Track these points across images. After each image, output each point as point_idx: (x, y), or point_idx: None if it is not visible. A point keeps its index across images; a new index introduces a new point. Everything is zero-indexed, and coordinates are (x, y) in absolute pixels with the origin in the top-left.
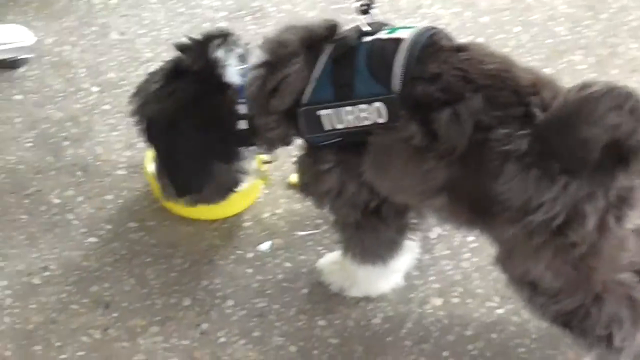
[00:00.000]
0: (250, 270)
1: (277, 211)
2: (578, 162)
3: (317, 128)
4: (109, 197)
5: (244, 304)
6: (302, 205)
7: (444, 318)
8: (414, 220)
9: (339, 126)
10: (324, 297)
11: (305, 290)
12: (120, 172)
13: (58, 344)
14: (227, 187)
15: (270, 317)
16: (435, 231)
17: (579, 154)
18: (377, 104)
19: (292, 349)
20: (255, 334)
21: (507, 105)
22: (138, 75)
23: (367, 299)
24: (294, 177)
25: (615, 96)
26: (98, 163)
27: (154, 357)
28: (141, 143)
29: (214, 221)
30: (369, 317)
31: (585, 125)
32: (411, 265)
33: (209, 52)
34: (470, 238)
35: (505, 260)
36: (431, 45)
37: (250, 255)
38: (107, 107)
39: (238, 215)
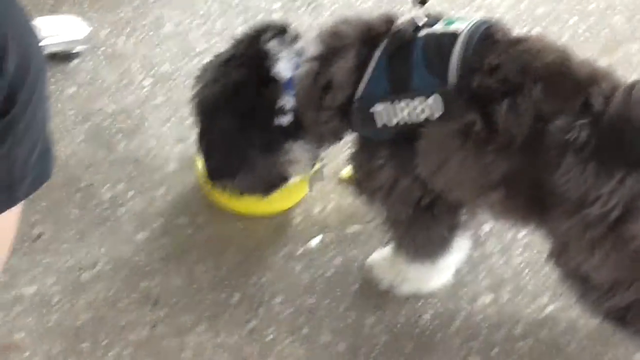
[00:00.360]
0: (299, 267)
1: (328, 206)
2: (636, 156)
3: (371, 124)
4: (160, 191)
5: (293, 301)
6: (354, 200)
7: (494, 315)
8: (466, 218)
9: (394, 121)
10: (373, 293)
11: (355, 287)
12: (171, 166)
13: (105, 341)
14: (270, 180)
15: (319, 314)
16: (486, 227)
17: (638, 149)
18: (433, 97)
19: (341, 346)
20: (304, 331)
21: (566, 96)
22: (191, 67)
23: (417, 296)
24: (345, 172)
25: None
26: (150, 157)
27: (202, 354)
28: (193, 137)
29: (263, 217)
30: (419, 313)
31: None
32: (461, 262)
33: (261, 43)
34: (522, 234)
35: (559, 254)
36: (488, 37)
37: (300, 251)
38: (160, 99)
39: (288, 211)
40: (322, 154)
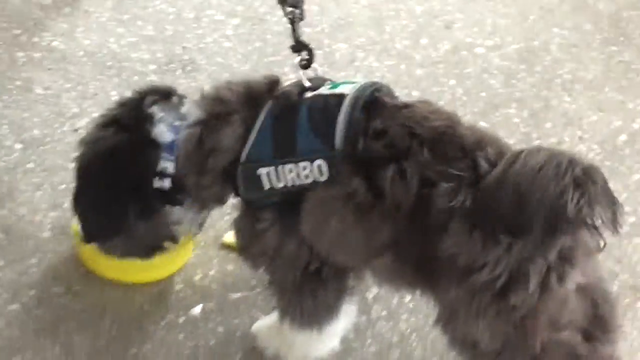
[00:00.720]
0: (181, 336)
1: (210, 273)
2: (521, 226)
3: (256, 187)
4: (33, 260)
5: None
6: (236, 266)
7: None
8: (353, 283)
9: (280, 185)
10: None
11: (238, 356)
12: (45, 234)
13: None
14: (148, 244)
15: None
16: (372, 292)
17: (522, 219)
18: (319, 162)
19: None
20: None
21: (453, 160)
22: (63, 131)
23: None
24: (227, 237)
25: (559, 164)
26: (21, 225)
27: None
28: (67, 203)
29: (143, 285)
30: None
31: (528, 194)
32: (348, 328)
33: (144, 106)
34: (408, 298)
35: (446, 321)
36: (374, 101)
37: (181, 319)
38: (31, 165)
39: (168, 278)
40: (205, 219)
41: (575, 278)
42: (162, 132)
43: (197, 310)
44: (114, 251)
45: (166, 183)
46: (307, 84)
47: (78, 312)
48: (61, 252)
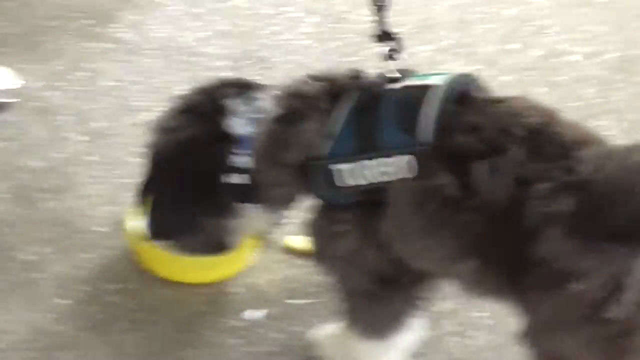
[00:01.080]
0: (237, 341)
1: (271, 277)
2: (626, 228)
3: (334, 185)
4: (87, 255)
5: None
6: (300, 271)
7: None
8: (430, 292)
9: (361, 182)
10: None
11: None
12: (101, 228)
13: None
14: (215, 242)
15: None
16: (441, 306)
17: (631, 222)
18: (407, 157)
19: None
20: None
21: (551, 159)
22: (129, 124)
23: None
24: (291, 240)
25: None
26: (77, 218)
27: None
28: (126, 199)
29: (200, 286)
30: None
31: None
32: (417, 344)
33: (218, 97)
34: (482, 314)
35: (535, 333)
36: (467, 94)
37: (238, 324)
38: (93, 157)
39: (227, 281)
40: (276, 222)
41: None
42: (236, 125)
43: (255, 315)
44: (176, 247)
45: (239, 179)
46: (394, 74)
47: (131, 311)
48: (117, 249)
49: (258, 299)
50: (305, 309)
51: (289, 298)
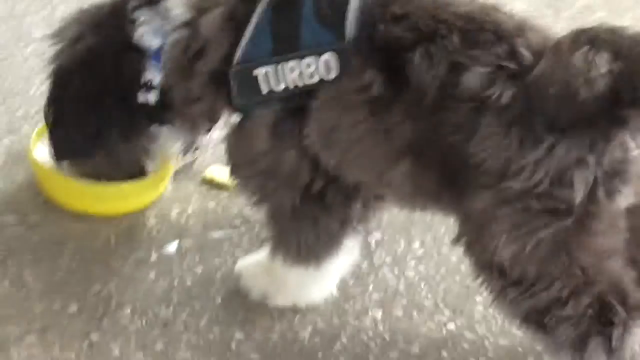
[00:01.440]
0: (152, 275)
1: (188, 209)
2: (568, 117)
3: (252, 92)
4: None
5: (144, 312)
6: (218, 204)
7: (385, 333)
8: (361, 209)
9: (280, 87)
10: (242, 306)
11: (218, 298)
12: None
13: None
14: (128, 167)
15: (176, 328)
16: (375, 236)
17: (570, 107)
18: (326, 56)
19: None
20: (158, 346)
21: (488, 45)
22: (27, 54)
23: (294, 310)
24: (210, 172)
25: (617, 40)
26: None
27: None
28: (25, 128)
29: (111, 218)
30: (296, 330)
31: (580, 76)
32: (348, 271)
33: (126, 6)
34: (416, 244)
35: (473, 238)
36: None
37: (153, 258)
38: None
39: (140, 212)
40: (192, 146)
41: (626, 197)
42: (147, 36)
43: (172, 247)
44: (84, 172)
45: (152, 97)
46: None
47: (33, 244)
48: (16, 181)
49: (171, 231)
50: (222, 242)
51: (208, 230)
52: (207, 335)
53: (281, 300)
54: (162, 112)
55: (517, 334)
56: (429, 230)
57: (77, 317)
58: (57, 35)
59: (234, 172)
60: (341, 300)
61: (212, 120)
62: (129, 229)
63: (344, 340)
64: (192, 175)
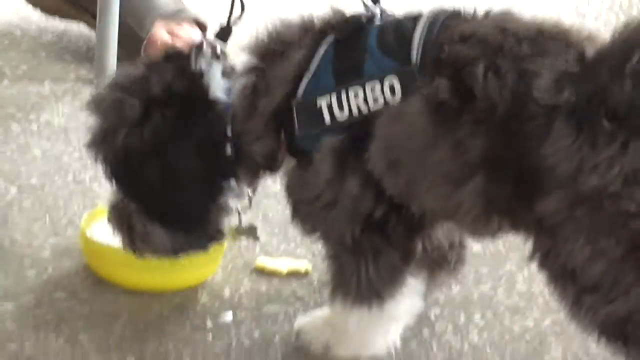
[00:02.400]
0: (209, 337)
1: (240, 289)
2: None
3: (316, 122)
4: (30, 273)
5: None
6: (270, 287)
7: None
8: (423, 246)
9: (343, 115)
10: None
11: (279, 356)
12: (44, 254)
13: None
14: (213, 234)
15: None
16: (433, 311)
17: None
18: (390, 79)
19: None
20: None
21: (557, 52)
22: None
23: None
24: (260, 261)
25: None
26: (16, 247)
27: None
28: (71, 229)
29: (161, 294)
30: None
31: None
32: (412, 315)
33: (192, 62)
34: (477, 317)
35: (548, 245)
36: (455, 16)
37: (209, 325)
38: (27, 203)
39: (191, 290)
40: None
41: None
42: (218, 89)
43: (228, 317)
44: (179, 247)
45: (229, 149)
46: (377, 11)
47: (85, 315)
48: (64, 268)
49: (224, 305)
50: (277, 314)
51: (259, 305)
52: None
53: (343, 350)
54: (234, 166)
55: None
56: (489, 307)
57: None
58: (104, 117)
59: (295, 210)
60: (405, 357)
61: (272, 166)
62: (182, 304)
63: None
64: (242, 267)
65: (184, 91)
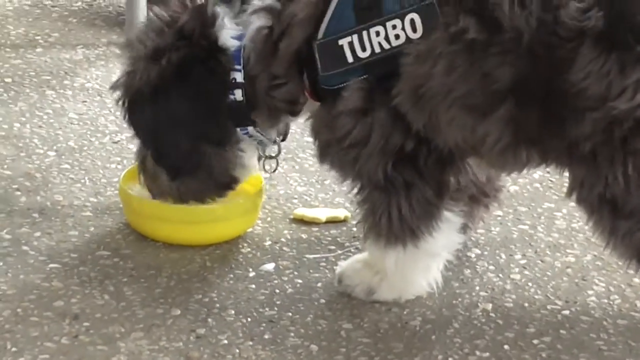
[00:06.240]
0: (252, 286)
1: (281, 239)
2: None
3: (339, 62)
4: (73, 232)
5: (248, 313)
6: (310, 235)
7: (498, 319)
8: (456, 181)
9: (365, 54)
10: (347, 305)
11: (322, 301)
12: (85, 213)
13: (14, 349)
14: (221, 180)
15: (283, 323)
16: (474, 252)
17: None
18: (411, 15)
19: (313, 347)
20: (267, 336)
21: None
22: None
23: (402, 305)
24: (299, 211)
25: None
26: (58, 207)
27: (138, 359)
28: (111, 190)
29: (202, 247)
30: (406, 320)
31: None
32: (453, 250)
33: (206, 9)
34: (518, 256)
35: (580, 176)
36: None
37: (251, 274)
38: (66, 166)
39: (232, 242)
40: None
41: None
42: (231, 35)
43: (269, 266)
44: (182, 192)
45: (239, 94)
46: None
47: (128, 269)
48: (106, 226)
49: (266, 256)
50: (319, 262)
51: (303, 254)
52: (315, 327)
53: (386, 293)
54: (247, 112)
55: (635, 315)
56: (529, 246)
57: (181, 317)
58: (136, 49)
59: (324, 152)
60: (448, 297)
61: (293, 110)
62: (224, 255)
63: (457, 325)
64: (281, 217)
65: (193, 35)
